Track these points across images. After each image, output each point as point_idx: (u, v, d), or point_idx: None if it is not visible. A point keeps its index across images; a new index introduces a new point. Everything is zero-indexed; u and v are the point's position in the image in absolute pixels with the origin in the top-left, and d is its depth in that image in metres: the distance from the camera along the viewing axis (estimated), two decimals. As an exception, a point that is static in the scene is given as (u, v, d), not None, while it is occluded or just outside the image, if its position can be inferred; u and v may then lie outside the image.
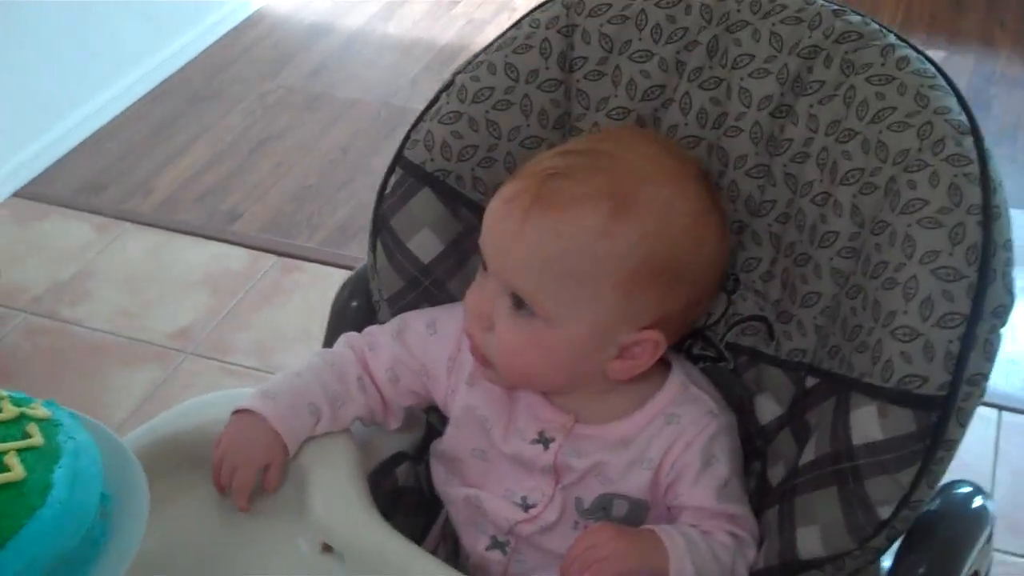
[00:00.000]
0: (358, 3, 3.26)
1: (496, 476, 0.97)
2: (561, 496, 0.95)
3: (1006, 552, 1.70)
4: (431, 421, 1.07)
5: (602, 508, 0.94)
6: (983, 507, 0.90)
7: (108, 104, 2.76)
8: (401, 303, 1.04)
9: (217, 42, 3.09)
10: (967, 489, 0.91)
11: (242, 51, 3.06)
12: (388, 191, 1.03)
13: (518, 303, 0.89)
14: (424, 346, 1.01)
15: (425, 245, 1.03)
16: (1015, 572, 1.68)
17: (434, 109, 1.02)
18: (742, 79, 0.96)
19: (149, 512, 0.81)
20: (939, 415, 0.82)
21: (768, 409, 0.97)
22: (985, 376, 0.83)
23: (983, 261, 0.82)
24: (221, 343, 2.09)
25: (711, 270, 0.93)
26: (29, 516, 0.75)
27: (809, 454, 0.90)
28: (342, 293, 1.12)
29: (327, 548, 0.92)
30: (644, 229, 0.87)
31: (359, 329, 1.05)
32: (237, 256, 2.32)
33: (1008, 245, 0.84)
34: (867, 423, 0.84)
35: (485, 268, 0.92)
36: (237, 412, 0.96)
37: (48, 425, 0.82)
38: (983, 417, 1.92)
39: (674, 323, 0.93)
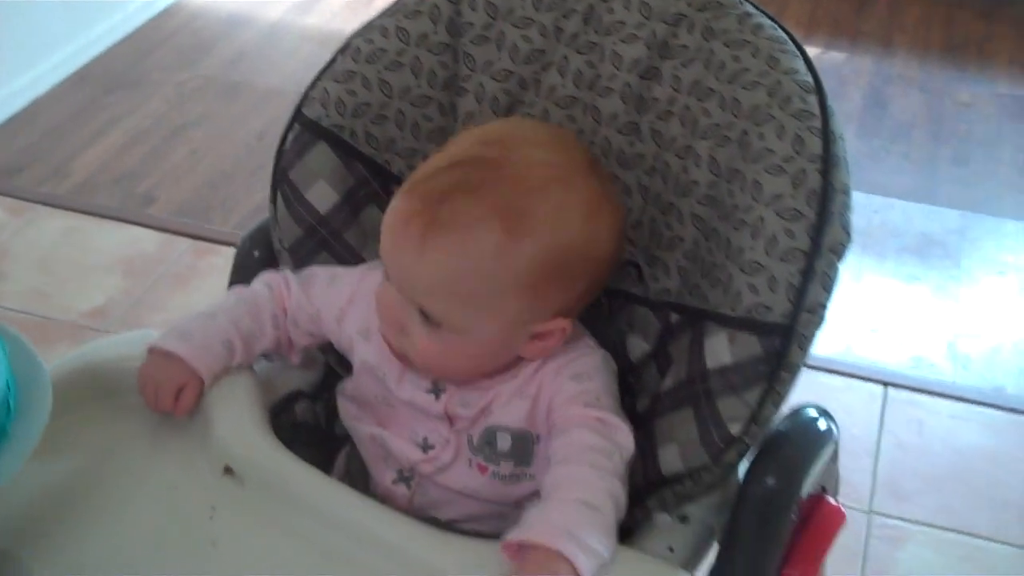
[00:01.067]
0: (277, -5, 3.32)
1: (399, 418, 1.03)
2: (456, 438, 1.01)
3: (888, 515, 1.80)
4: (329, 362, 1.14)
5: (487, 443, 0.99)
6: (828, 428, 0.99)
7: (26, 88, 2.77)
8: (301, 252, 1.10)
9: (137, 30, 3.11)
10: (813, 412, 1.00)
11: (162, 40, 3.09)
12: (287, 146, 1.10)
13: (427, 318, 0.94)
14: (322, 295, 1.07)
15: (321, 196, 1.09)
16: (896, 534, 1.78)
17: (330, 69, 1.09)
18: (614, 44, 1.04)
19: (65, 431, 0.87)
20: (782, 340, 0.90)
21: (638, 347, 1.05)
22: (824, 306, 0.92)
23: (822, 204, 0.91)
24: (136, 323, 2.11)
25: (608, 256, 0.98)
26: None
27: (669, 381, 0.98)
28: (245, 244, 1.18)
29: (228, 471, 0.98)
30: (540, 241, 0.92)
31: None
32: (151, 239, 2.35)
33: (846, 190, 0.93)
34: (719, 349, 0.92)
35: (388, 277, 0.97)
36: (153, 351, 1.02)
37: None
38: (870, 392, 2.04)
39: (576, 307, 0.99)
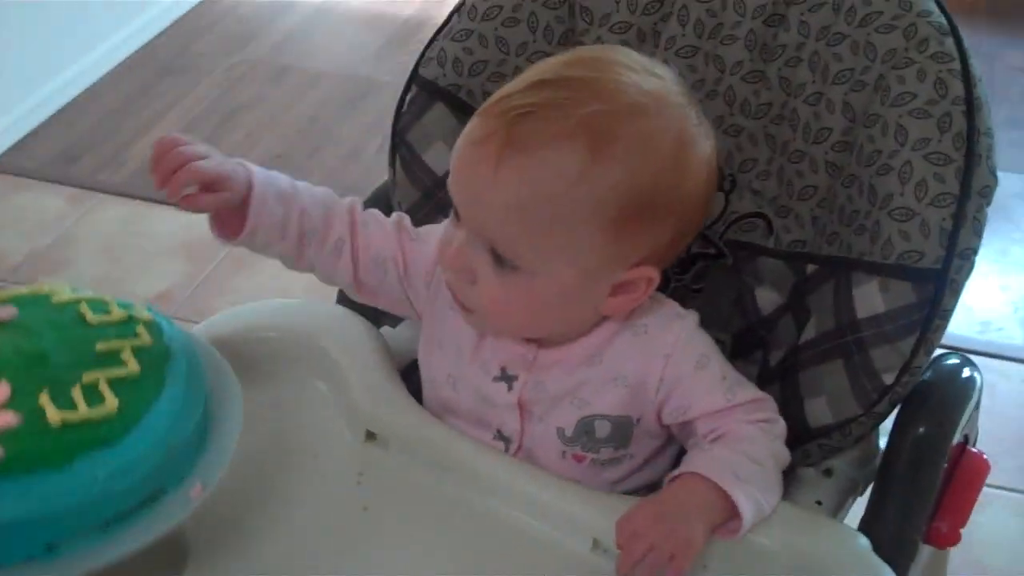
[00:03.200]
0: (320, -22, 3.30)
1: (465, 406, 0.97)
2: (533, 428, 0.94)
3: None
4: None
5: (585, 433, 0.93)
6: (972, 376, 0.98)
7: (78, 77, 2.76)
8: (419, 214, 1.09)
9: (183, 16, 3.10)
10: (956, 360, 0.98)
11: (208, 25, 3.08)
12: (404, 108, 1.09)
13: (498, 259, 0.86)
14: (413, 252, 1.00)
15: (439, 158, 1.08)
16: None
17: (447, 28, 1.08)
18: None
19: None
20: (936, 286, 0.89)
21: (769, 300, 1.04)
22: (974, 250, 0.90)
23: (969, 147, 0.90)
24: (202, 307, 2.11)
25: (698, 197, 0.90)
26: (147, 409, 0.82)
27: (810, 333, 0.96)
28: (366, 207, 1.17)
29: (371, 436, 0.97)
30: (627, 167, 0.83)
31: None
32: (210, 223, 2.35)
33: (990, 133, 0.92)
34: (870, 297, 0.91)
35: (457, 216, 0.89)
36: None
37: (153, 326, 0.89)
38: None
39: (665, 255, 0.90)
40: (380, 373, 0.99)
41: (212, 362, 0.92)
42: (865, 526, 0.93)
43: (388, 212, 1.12)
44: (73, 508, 0.77)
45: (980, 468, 0.99)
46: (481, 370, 0.95)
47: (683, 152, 0.87)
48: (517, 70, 1.06)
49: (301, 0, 3.20)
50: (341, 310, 1.08)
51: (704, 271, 1.06)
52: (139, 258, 2.26)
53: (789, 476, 0.98)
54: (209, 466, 0.85)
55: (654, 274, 0.89)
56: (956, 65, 0.92)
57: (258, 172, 0.94)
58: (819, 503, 0.97)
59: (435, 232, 0.96)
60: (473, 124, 0.87)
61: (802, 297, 0.99)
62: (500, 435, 0.96)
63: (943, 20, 0.94)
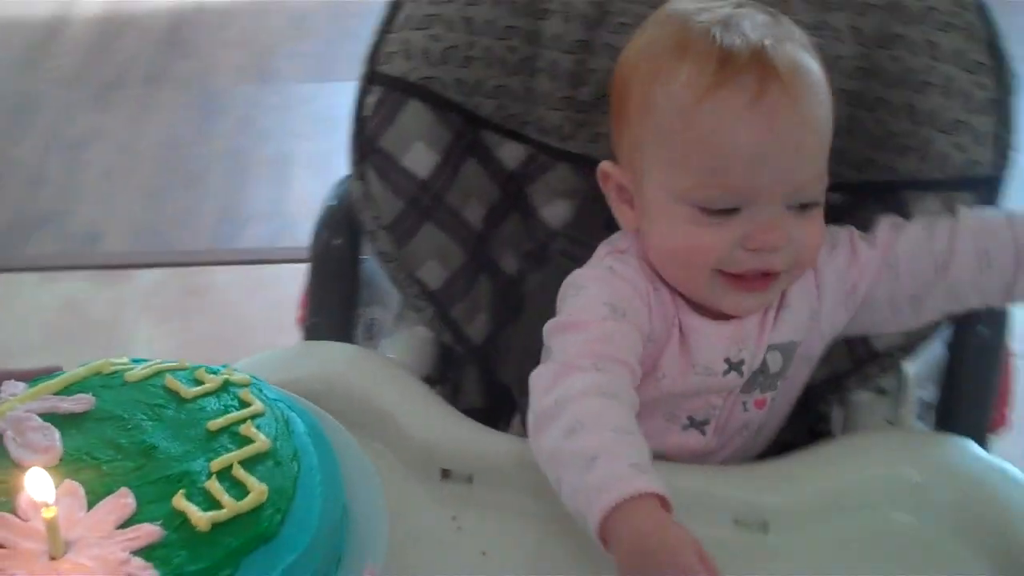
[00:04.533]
0: None
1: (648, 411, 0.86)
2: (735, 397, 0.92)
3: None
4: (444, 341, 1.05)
5: (760, 372, 0.91)
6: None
7: None
8: (403, 226, 1.00)
9: None
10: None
11: None
12: (368, 113, 0.97)
13: (802, 207, 0.84)
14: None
15: (420, 159, 0.99)
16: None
17: (402, 18, 0.97)
18: None
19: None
20: (995, 191, 0.92)
21: None
22: (1015, 147, 0.93)
23: (996, 49, 0.92)
24: None
25: None
26: (294, 488, 0.69)
27: None
28: (321, 235, 1.05)
29: (446, 474, 0.88)
30: (825, 76, 0.86)
31: (344, 268, 1.02)
32: None
33: (1003, 34, 0.94)
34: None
35: (717, 211, 0.83)
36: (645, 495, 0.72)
37: (255, 388, 0.76)
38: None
39: None
40: (431, 405, 0.92)
41: (326, 423, 0.79)
42: (942, 427, 0.97)
43: (353, 235, 1.03)
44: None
45: (1010, 366, 1.05)
46: (701, 371, 0.89)
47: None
48: (487, 50, 0.98)
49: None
50: (351, 348, 0.97)
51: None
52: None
53: (844, 404, 1.01)
54: (368, 543, 0.73)
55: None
56: None
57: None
58: (890, 422, 1.00)
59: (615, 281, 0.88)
60: (730, 99, 0.81)
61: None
62: (692, 421, 0.92)
63: None
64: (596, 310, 0.85)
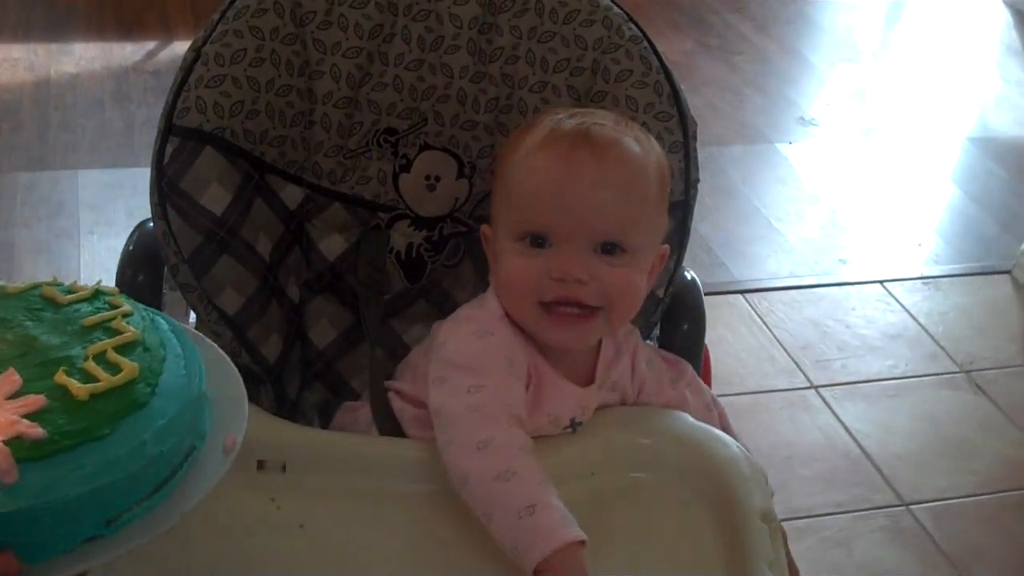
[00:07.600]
0: None
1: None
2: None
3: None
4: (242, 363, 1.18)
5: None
6: (695, 280, 1.31)
7: None
8: (201, 258, 1.13)
9: None
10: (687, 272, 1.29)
11: None
12: (167, 160, 1.12)
13: (609, 248, 1.04)
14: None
15: (216, 198, 1.13)
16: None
17: (194, 78, 1.12)
18: (448, 7, 1.18)
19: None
20: (684, 212, 1.19)
21: None
22: (698, 180, 1.20)
23: (678, 103, 1.19)
24: None
25: None
26: (162, 367, 0.84)
27: None
28: (124, 273, 1.18)
29: (261, 465, 1.04)
30: (655, 150, 1.08)
31: (148, 300, 1.14)
32: None
33: (680, 89, 1.20)
34: None
35: (542, 243, 1.04)
36: (571, 545, 0.92)
37: (122, 296, 0.92)
38: None
39: None
40: (238, 401, 1.01)
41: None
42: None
43: (156, 272, 1.18)
44: (128, 477, 0.76)
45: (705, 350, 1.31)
46: (548, 421, 1.09)
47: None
48: (269, 105, 1.16)
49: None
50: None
51: (456, 248, 1.25)
52: None
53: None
54: (229, 418, 0.87)
55: (667, 249, 1.13)
56: (646, 43, 1.19)
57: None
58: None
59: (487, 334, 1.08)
60: (546, 154, 1.04)
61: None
62: (573, 423, 1.11)
63: (620, 9, 1.20)
64: (497, 361, 1.05)
